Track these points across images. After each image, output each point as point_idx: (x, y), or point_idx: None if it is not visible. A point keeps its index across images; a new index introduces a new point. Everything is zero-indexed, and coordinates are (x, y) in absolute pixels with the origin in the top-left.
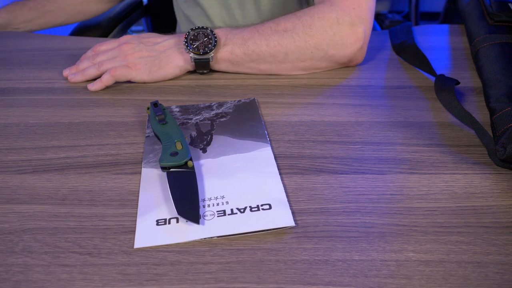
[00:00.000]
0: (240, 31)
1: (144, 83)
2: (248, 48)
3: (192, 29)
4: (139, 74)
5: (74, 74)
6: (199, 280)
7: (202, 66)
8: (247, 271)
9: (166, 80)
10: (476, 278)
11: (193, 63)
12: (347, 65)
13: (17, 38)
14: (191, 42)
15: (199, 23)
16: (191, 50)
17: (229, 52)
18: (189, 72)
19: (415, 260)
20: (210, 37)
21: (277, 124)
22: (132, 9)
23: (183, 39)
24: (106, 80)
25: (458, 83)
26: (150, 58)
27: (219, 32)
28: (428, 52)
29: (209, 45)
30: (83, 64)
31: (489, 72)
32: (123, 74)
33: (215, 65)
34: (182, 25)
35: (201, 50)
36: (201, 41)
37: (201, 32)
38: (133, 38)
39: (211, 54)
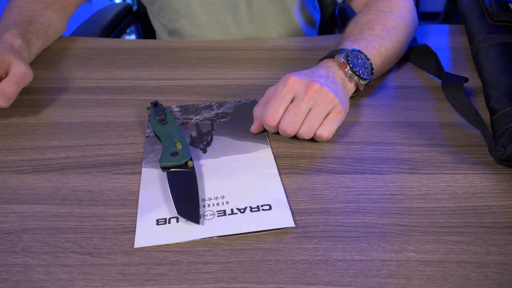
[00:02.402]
0: (364, 41)
1: None
2: (382, 55)
3: (338, 55)
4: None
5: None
6: (199, 280)
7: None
8: (247, 271)
9: (166, 80)
10: (476, 278)
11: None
12: None
13: None
14: (352, 69)
15: (186, 35)
16: (361, 77)
17: (375, 66)
18: (189, 72)
19: (415, 260)
20: (359, 56)
21: None
22: (123, 16)
23: (345, 70)
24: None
25: (466, 80)
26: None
27: (355, 47)
28: None
29: (365, 65)
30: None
31: (489, 72)
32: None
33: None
34: (164, 38)
35: (365, 74)
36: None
37: (350, 55)
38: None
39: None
